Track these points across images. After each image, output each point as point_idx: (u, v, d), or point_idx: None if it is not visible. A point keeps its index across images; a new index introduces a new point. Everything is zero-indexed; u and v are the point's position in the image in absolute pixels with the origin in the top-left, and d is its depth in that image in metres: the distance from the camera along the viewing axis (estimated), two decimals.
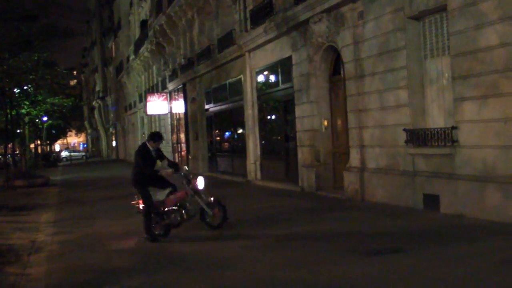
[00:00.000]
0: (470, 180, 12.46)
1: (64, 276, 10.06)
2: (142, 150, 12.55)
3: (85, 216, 17.79)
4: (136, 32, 55.68)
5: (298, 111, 20.40)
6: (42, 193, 28.11)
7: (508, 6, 11.32)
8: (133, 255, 11.40)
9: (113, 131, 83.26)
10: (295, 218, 14.57)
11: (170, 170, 12.30)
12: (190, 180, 12.30)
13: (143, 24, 49.51)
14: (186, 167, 13.82)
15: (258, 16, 23.35)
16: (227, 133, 31.89)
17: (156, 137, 12.66)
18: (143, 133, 56.48)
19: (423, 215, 13.45)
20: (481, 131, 12.16)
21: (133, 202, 13.38)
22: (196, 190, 12.26)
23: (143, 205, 12.48)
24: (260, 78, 24.87)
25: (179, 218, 12.37)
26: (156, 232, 12.56)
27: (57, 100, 47.96)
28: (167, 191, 12.44)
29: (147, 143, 12.56)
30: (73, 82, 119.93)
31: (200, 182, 12.29)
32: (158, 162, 12.71)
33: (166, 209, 12.46)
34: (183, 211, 12.34)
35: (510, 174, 11.50)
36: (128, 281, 9.33)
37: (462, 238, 10.64)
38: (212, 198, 12.16)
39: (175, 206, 12.39)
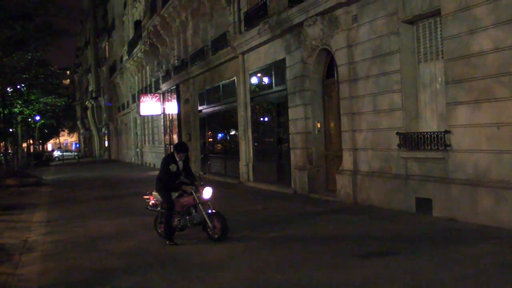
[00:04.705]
0: (462, 184, 12.49)
1: (56, 276, 10.02)
2: (167, 159, 12.49)
3: (77, 216, 17.73)
4: (130, 32, 55.62)
5: (291, 114, 20.42)
6: (34, 192, 28.04)
7: (502, 11, 11.36)
8: (125, 256, 11.37)
9: (106, 131, 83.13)
10: (288, 220, 14.55)
11: (189, 188, 12.23)
12: (198, 187, 12.22)
13: (137, 24, 49.45)
14: (201, 172, 13.72)
15: (252, 18, 23.37)
16: (220, 135, 31.86)
17: (178, 148, 12.52)
18: (136, 134, 56.47)
19: (415, 218, 13.48)
20: (474, 136, 12.20)
21: (145, 197, 13.45)
22: (201, 199, 12.18)
23: (163, 210, 12.40)
24: (254, 80, 24.86)
25: (181, 224, 12.32)
26: (159, 231, 12.63)
27: (50, 100, 47.99)
28: (177, 193, 12.39)
29: (174, 153, 12.48)
30: (66, 82, 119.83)
31: (207, 192, 12.14)
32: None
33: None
34: (187, 218, 12.30)
35: (502, 179, 11.54)
36: (120, 281, 9.31)
37: (455, 242, 10.67)
38: (213, 210, 12.05)
39: (181, 210, 12.36)
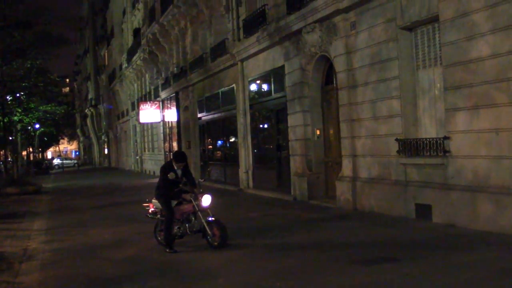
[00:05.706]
0: (462, 190, 12.50)
1: (56, 285, 10.02)
2: (166, 167, 12.51)
3: (77, 224, 17.73)
4: (129, 40, 55.69)
5: (290, 120, 20.44)
6: (34, 200, 28.01)
7: (499, 17, 11.39)
8: (125, 264, 11.37)
9: (105, 139, 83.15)
10: (287, 227, 14.55)
11: (188, 195, 12.25)
12: (197, 195, 12.23)
13: (136, 32, 49.53)
14: (200, 179, 13.69)
15: (251, 26, 23.41)
16: (219, 142, 31.88)
17: (176, 157, 12.52)
18: (136, 141, 56.49)
19: (415, 224, 13.47)
20: (473, 141, 12.21)
21: (144, 204, 13.49)
22: (200, 207, 12.18)
23: (163, 218, 12.42)
24: (253, 87, 24.88)
25: (181, 231, 12.33)
26: (159, 238, 12.64)
27: (49, 108, 47.92)
28: (176, 201, 12.40)
29: (173, 162, 12.48)
30: (65, 90, 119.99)
31: (206, 200, 12.14)
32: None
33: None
34: (187, 225, 12.31)
35: (502, 184, 11.54)
36: None
37: (455, 248, 10.66)
38: (212, 218, 12.05)
39: (181, 218, 12.37)
